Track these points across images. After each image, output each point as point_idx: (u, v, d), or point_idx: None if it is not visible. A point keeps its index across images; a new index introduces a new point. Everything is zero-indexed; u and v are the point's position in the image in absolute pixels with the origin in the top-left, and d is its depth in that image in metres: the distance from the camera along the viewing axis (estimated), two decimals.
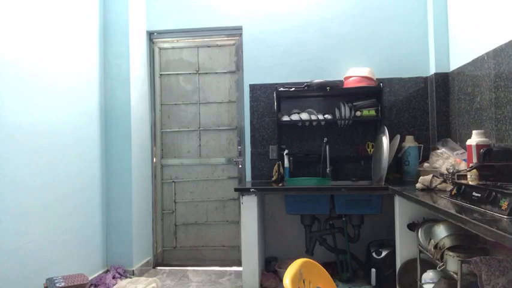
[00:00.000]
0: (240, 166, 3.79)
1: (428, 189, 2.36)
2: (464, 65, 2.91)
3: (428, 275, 2.21)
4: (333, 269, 3.19)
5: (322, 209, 3.03)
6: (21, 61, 2.58)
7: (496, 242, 1.46)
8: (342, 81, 3.39)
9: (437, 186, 2.35)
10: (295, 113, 3.44)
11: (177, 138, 3.94)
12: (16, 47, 2.54)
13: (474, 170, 2.00)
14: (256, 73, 3.66)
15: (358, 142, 3.49)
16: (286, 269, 1.26)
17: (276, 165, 3.37)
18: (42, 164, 2.73)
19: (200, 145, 3.90)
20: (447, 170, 2.43)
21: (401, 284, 2.57)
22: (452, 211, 1.71)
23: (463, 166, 2.37)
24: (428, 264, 2.28)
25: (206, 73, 3.89)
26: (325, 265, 3.04)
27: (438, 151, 2.87)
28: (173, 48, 3.95)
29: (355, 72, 3.34)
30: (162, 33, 3.90)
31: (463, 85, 2.96)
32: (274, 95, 3.42)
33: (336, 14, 3.58)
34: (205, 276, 3.58)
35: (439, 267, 1.97)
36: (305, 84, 3.35)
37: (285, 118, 3.41)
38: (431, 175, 2.43)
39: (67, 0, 3.07)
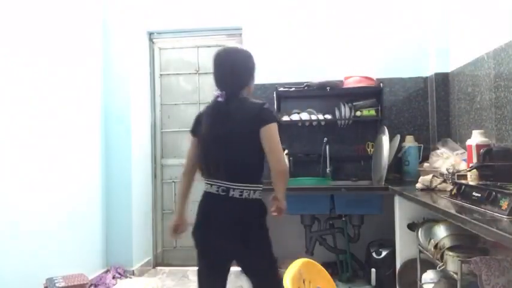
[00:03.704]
0: None
1: (428, 189, 2.36)
2: (464, 65, 2.91)
3: (428, 275, 2.21)
4: (333, 269, 3.19)
5: (322, 209, 3.03)
6: (21, 61, 2.58)
7: (496, 242, 1.46)
8: (342, 81, 3.38)
9: (437, 186, 2.35)
10: (295, 113, 3.44)
11: (177, 138, 3.94)
12: (17, 46, 2.54)
13: (474, 170, 2.00)
14: (256, 73, 3.65)
15: (358, 142, 3.49)
16: (286, 269, 1.26)
17: None
18: (42, 164, 2.73)
19: None
20: (447, 170, 2.43)
21: (401, 284, 2.57)
22: (452, 211, 1.71)
23: (463, 166, 2.37)
24: (428, 264, 2.28)
25: (206, 73, 3.89)
26: (325, 265, 3.03)
27: (438, 151, 2.87)
28: (173, 48, 3.95)
29: (355, 72, 3.34)
30: (162, 33, 3.90)
31: (463, 85, 2.95)
32: (274, 95, 3.41)
33: (336, 14, 3.58)
34: None
35: (439, 267, 1.96)
36: (305, 84, 3.35)
37: (285, 118, 3.41)
38: (431, 175, 2.42)
39: (68, 1, 3.07)
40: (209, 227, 1.84)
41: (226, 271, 1.91)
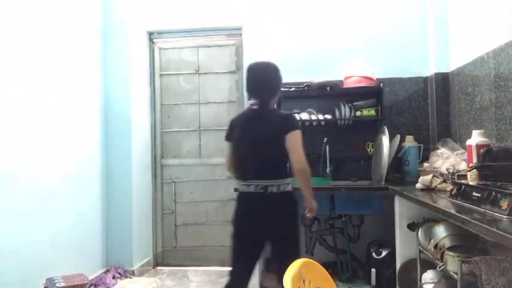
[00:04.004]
0: None
1: (428, 189, 2.36)
2: (464, 65, 2.91)
3: (428, 275, 2.21)
4: (333, 269, 3.19)
5: (322, 209, 3.02)
6: (21, 61, 2.58)
7: (496, 242, 1.46)
8: (341, 81, 3.38)
9: (437, 186, 2.35)
10: (295, 113, 3.43)
11: (177, 138, 3.94)
12: (18, 46, 2.54)
13: (474, 170, 2.00)
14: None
15: (358, 142, 3.49)
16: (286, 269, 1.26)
17: None
18: (42, 164, 2.73)
19: (200, 145, 3.90)
20: (447, 170, 2.43)
21: (401, 284, 2.57)
22: (452, 211, 1.71)
23: (463, 166, 2.37)
24: (428, 264, 2.28)
25: (206, 73, 3.89)
26: (325, 265, 3.02)
27: (438, 151, 2.87)
28: (173, 48, 3.95)
29: (355, 72, 3.34)
30: (162, 33, 3.90)
31: (463, 85, 2.95)
32: None
33: (336, 14, 3.58)
34: (205, 276, 3.58)
35: (439, 267, 1.96)
36: (305, 84, 3.35)
37: None
38: (431, 175, 2.42)
39: (68, 1, 3.07)
40: (250, 220, 2.12)
41: (259, 257, 2.24)
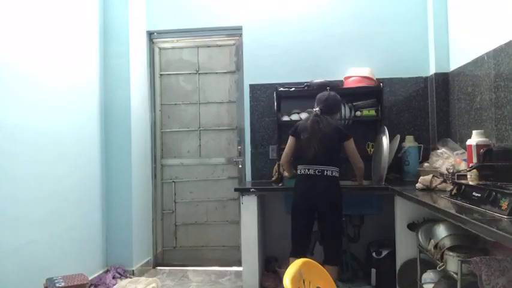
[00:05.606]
0: (240, 166, 3.79)
1: (428, 189, 2.36)
2: (464, 65, 2.91)
3: (428, 275, 2.22)
4: None
5: None
6: (21, 62, 2.57)
7: (496, 242, 1.46)
8: (342, 81, 3.38)
9: (437, 186, 2.35)
10: (295, 113, 3.44)
11: (177, 138, 3.94)
12: (17, 48, 2.54)
13: (474, 170, 2.00)
14: (256, 73, 3.66)
15: (358, 142, 3.44)
16: (286, 269, 1.26)
17: (276, 165, 3.37)
18: (42, 164, 2.73)
19: (200, 145, 3.90)
20: (447, 170, 2.43)
21: (401, 284, 2.58)
22: (452, 211, 1.71)
23: (463, 166, 2.37)
24: (428, 264, 2.28)
25: (206, 73, 3.89)
26: None
27: (438, 151, 2.87)
28: (173, 48, 3.95)
29: (355, 72, 3.34)
30: (162, 33, 3.90)
31: (463, 85, 2.95)
32: (274, 95, 3.41)
33: (336, 14, 3.58)
34: (205, 276, 3.58)
35: (439, 267, 1.97)
36: (305, 84, 3.35)
37: (285, 118, 3.41)
38: (431, 175, 2.43)
39: (67, 1, 3.07)
40: (310, 194, 2.69)
41: (312, 225, 2.76)
